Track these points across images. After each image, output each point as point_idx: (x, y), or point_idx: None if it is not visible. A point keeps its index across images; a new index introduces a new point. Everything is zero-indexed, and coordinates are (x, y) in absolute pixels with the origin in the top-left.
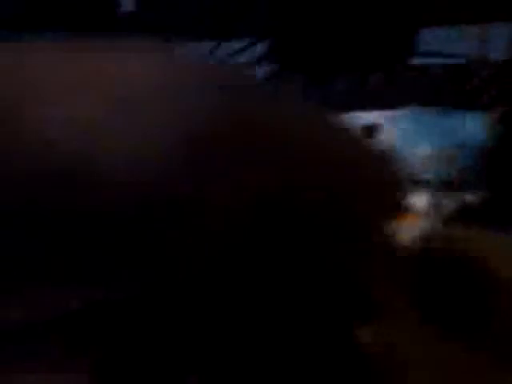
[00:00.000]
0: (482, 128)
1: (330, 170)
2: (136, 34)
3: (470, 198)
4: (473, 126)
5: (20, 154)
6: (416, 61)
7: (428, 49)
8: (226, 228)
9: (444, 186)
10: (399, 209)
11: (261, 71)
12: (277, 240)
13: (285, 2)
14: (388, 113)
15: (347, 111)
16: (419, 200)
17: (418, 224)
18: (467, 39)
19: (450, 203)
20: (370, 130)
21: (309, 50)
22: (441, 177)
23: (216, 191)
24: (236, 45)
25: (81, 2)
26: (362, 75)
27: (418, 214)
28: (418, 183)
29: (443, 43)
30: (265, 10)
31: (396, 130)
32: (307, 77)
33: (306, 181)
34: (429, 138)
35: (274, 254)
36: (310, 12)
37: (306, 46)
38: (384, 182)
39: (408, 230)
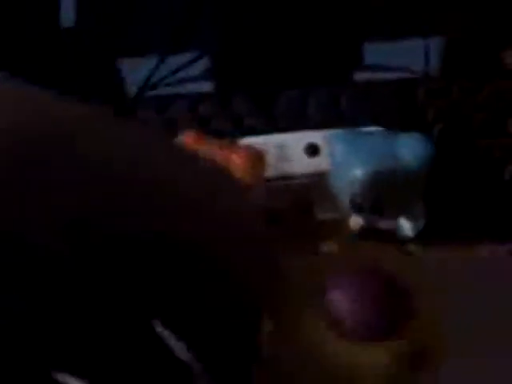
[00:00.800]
0: (419, 149)
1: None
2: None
3: (403, 222)
4: (410, 147)
5: None
6: (360, 76)
7: (372, 63)
8: (36, 259)
9: (377, 210)
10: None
11: (203, 88)
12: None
13: (226, 17)
14: (326, 133)
15: (288, 131)
16: (352, 224)
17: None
18: (412, 53)
19: (383, 227)
20: (309, 150)
21: (249, 67)
22: (374, 201)
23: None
24: (179, 60)
25: (21, 20)
26: (303, 93)
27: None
28: (351, 207)
29: (388, 57)
30: (207, 26)
31: (332, 151)
32: (248, 94)
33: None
34: (362, 160)
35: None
36: (252, 27)
37: (246, 62)
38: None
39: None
